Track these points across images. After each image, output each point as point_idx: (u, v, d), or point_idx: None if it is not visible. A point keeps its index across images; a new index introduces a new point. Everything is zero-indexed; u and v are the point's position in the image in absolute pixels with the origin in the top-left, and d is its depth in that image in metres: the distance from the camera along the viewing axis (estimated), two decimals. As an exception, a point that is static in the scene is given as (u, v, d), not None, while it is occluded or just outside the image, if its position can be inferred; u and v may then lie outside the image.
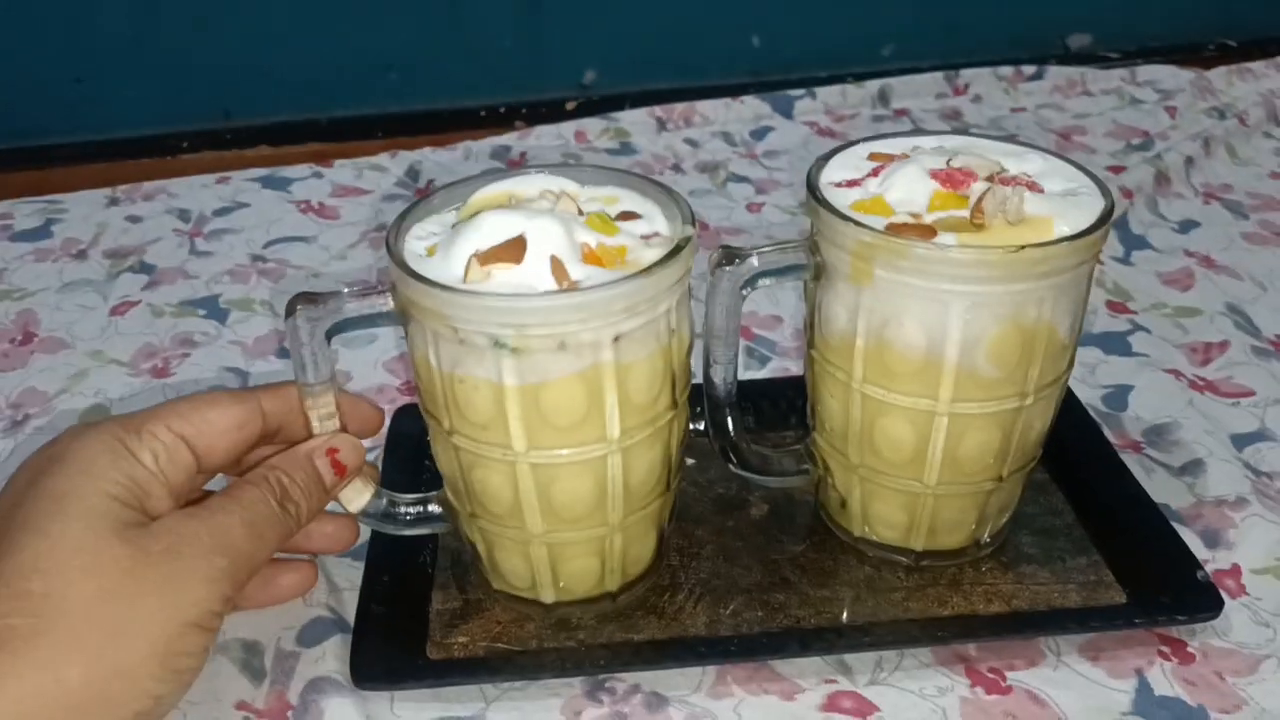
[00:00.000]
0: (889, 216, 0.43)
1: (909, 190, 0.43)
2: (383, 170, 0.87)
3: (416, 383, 0.44)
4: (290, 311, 0.41)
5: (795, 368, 0.64)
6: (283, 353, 0.65)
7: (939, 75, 1.03)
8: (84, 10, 0.93)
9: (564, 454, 0.41)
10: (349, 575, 0.49)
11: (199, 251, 0.76)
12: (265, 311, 0.69)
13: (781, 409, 0.58)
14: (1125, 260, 0.75)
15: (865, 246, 0.41)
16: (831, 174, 0.46)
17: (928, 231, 0.41)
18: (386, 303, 0.42)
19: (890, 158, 0.46)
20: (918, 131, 0.49)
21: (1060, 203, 0.43)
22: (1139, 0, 1.14)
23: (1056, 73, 1.04)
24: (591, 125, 0.94)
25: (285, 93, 1.00)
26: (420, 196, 0.46)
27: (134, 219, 0.80)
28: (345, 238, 0.78)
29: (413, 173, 0.87)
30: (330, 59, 1.00)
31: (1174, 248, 0.76)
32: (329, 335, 0.42)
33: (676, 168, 0.89)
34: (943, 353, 0.42)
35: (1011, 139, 0.48)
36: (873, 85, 1.00)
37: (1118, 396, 0.61)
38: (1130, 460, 0.54)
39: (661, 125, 0.95)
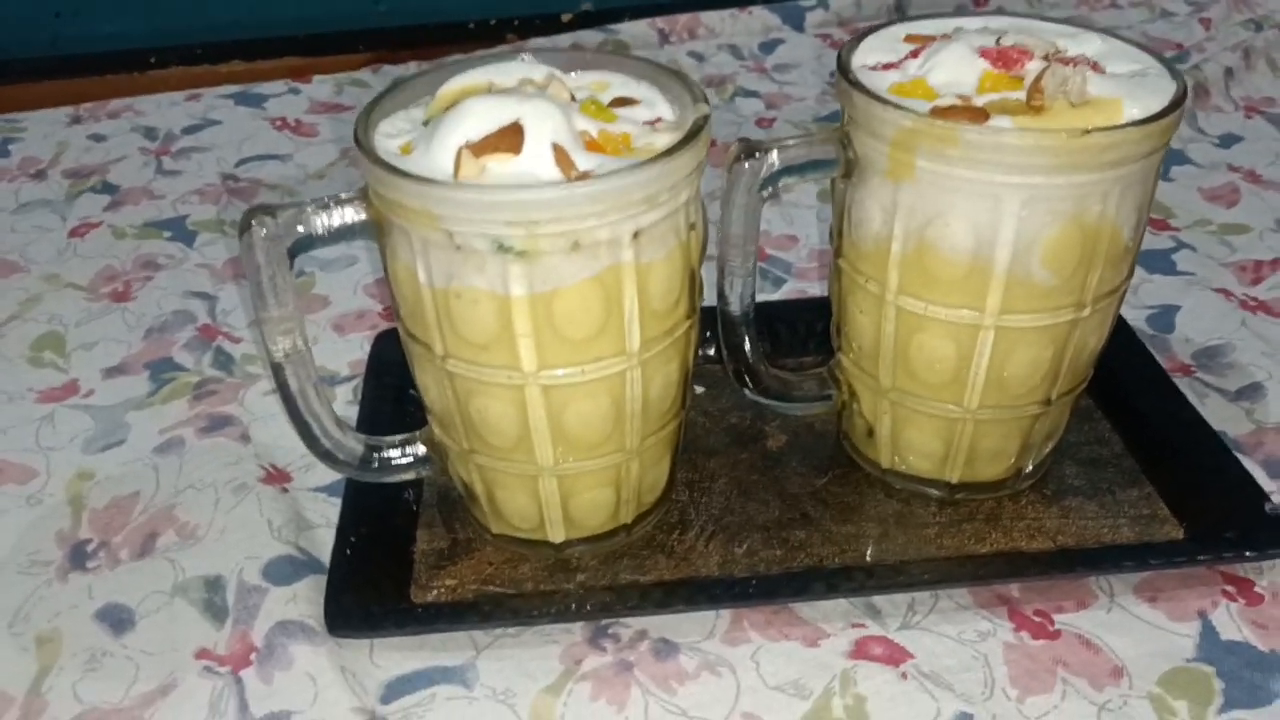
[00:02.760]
0: (933, 100, 0.37)
1: (955, 71, 0.38)
2: (364, 86, 0.82)
3: (396, 303, 0.38)
4: (244, 227, 0.36)
5: (813, 289, 0.59)
6: (255, 275, 0.59)
7: (960, -15, 0.96)
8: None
9: (579, 372, 0.36)
10: (324, 511, 0.44)
11: (166, 171, 0.70)
12: (236, 233, 0.63)
13: (800, 333, 0.53)
14: (1164, 176, 0.69)
15: (906, 134, 0.36)
16: (864, 57, 0.41)
17: (979, 114, 0.36)
18: (358, 212, 0.36)
19: (930, 39, 0.41)
20: (959, 11, 0.43)
21: (1127, 83, 0.37)
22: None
23: (1083, -17, 0.98)
24: (588, 38, 0.88)
25: (269, 21, 0.94)
26: (386, 87, 0.40)
27: (97, 137, 0.74)
28: (324, 155, 0.72)
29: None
30: None
31: (1216, 162, 0.71)
32: (291, 254, 0.36)
33: (680, 82, 0.83)
34: (992, 256, 0.37)
35: (1066, 22, 0.42)
36: (889, -6, 0.94)
37: (1163, 317, 0.56)
38: (1182, 384, 0.49)
39: (664, 38, 0.89)
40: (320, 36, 0.91)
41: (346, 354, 0.54)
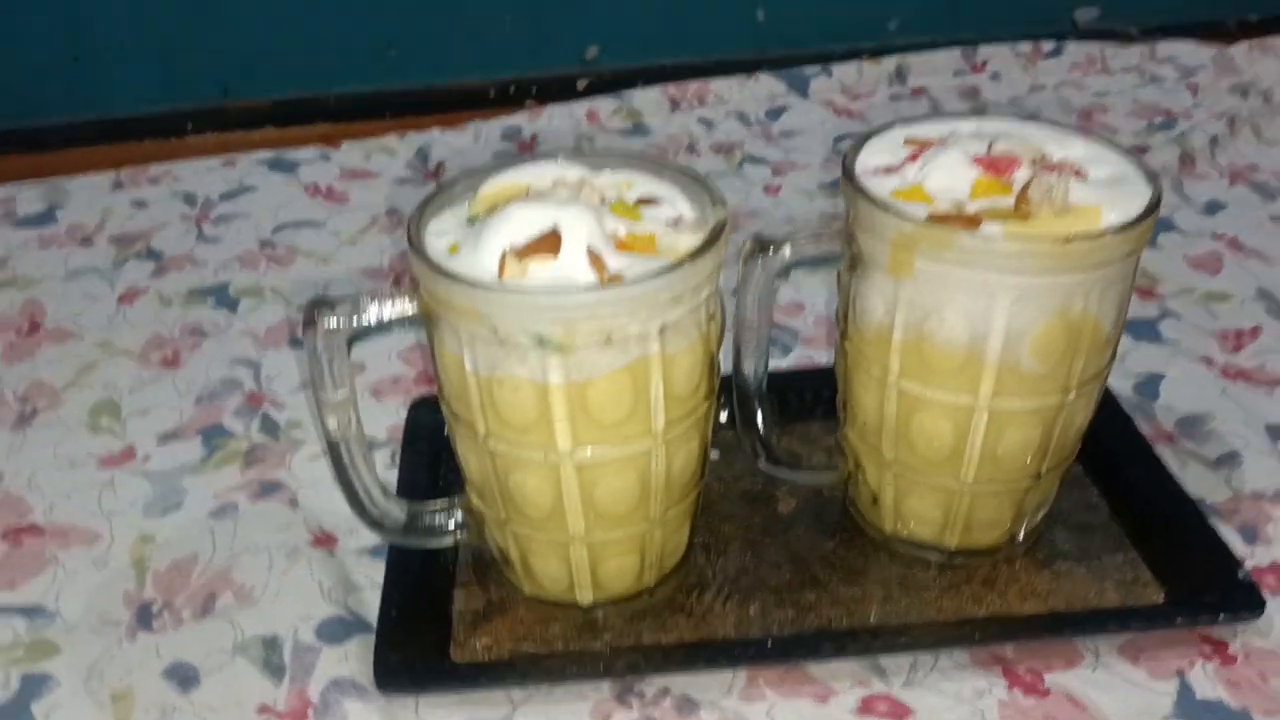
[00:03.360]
0: (930, 205, 0.41)
1: (950, 177, 0.42)
2: (391, 152, 0.86)
3: (442, 385, 0.42)
4: (308, 321, 0.40)
5: (820, 357, 0.62)
6: (295, 342, 0.63)
7: (956, 52, 1.01)
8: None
9: (608, 452, 0.40)
10: (368, 572, 0.48)
11: (206, 237, 0.74)
12: (275, 299, 0.67)
13: (807, 401, 0.57)
14: (1151, 243, 0.73)
15: (906, 237, 0.40)
16: (867, 160, 0.44)
17: (972, 221, 0.40)
18: (410, 305, 0.40)
19: (928, 143, 0.45)
20: (953, 115, 0.47)
21: (1107, 190, 0.41)
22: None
23: (1075, 49, 1.02)
24: (603, 105, 0.92)
25: (283, 70, 0.99)
26: (430, 181, 0.44)
27: (139, 204, 0.78)
28: (356, 222, 0.76)
29: (422, 155, 0.85)
30: (328, 36, 0.99)
31: (1201, 230, 0.75)
32: (349, 343, 0.40)
33: (691, 149, 0.87)
34: (985, 347, 0.41)
35: (1053, 123, 0.46)
36: (889, 62, 0.98)
37: (1149, 385, 0.59)
38: (1164, 452, 0.53)
39: (675, 105, 0.93)
40: (347, 101, 0.96)
41: (384, 419, 0.57)
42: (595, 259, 0.39)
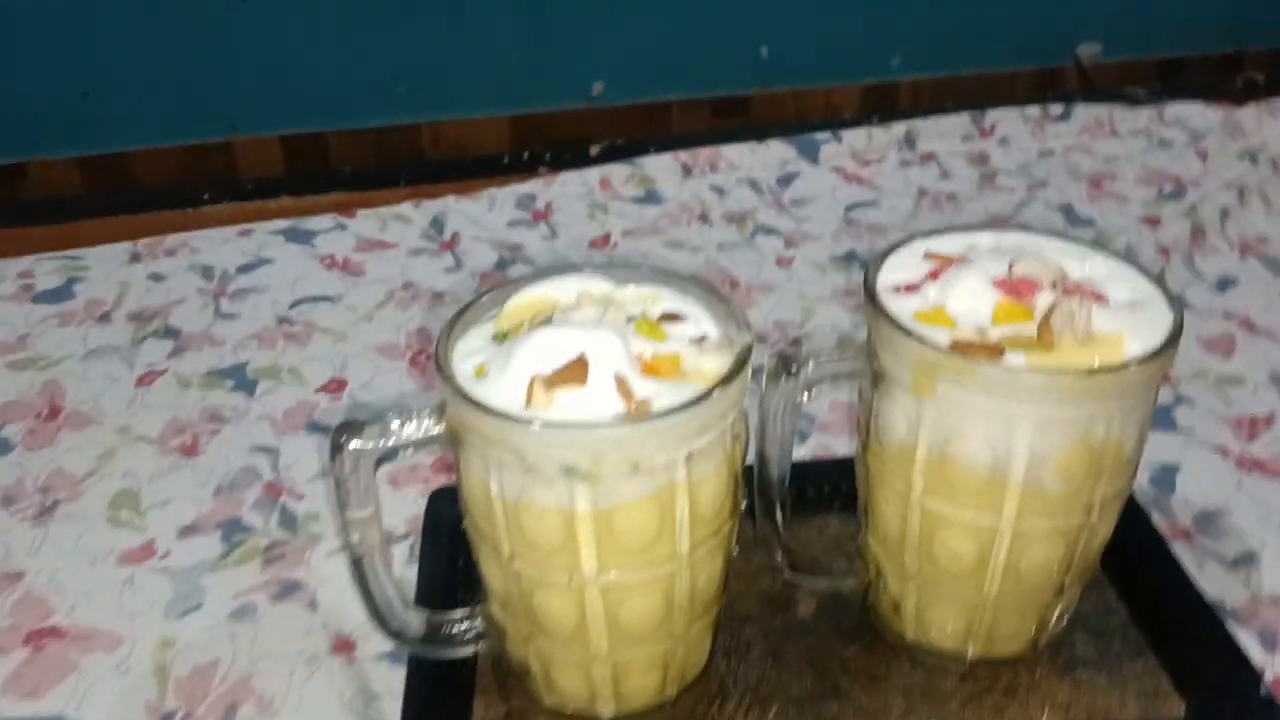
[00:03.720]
0: (951, 329, 0.41)
1: (971, 299, 0.42)
2: (407, 221, 0.86)
3: (466, 505, 0.42)
4: (336, 447, 0.40)
5: (836, 446, 0.63)
6: (313, 427, 0.63)
7: (965, 116, 1.02)
8: (89, 24, 0.93)
9: (633, 575, 0.40)
10: (387, 680, 0.48)
11: (224, 313, 0.75)
12: (292, 381, 0.67)
13: (825, 493, 0.57)
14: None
15: (929, 363, 0.40)
16: (888, 275, 0.45)
17: (994, 351, 0.40)
18: (436, 426, 0.40)
19: (948, 260, 0.45)
20: (971, 227, 0.48)
21: (1128, 317, 0.41)
22: (1148, 8, 1.15)
23: (1084, 112, 1.03)
24: (616, 172, 0.92)
25: (290, 106, 1.01)
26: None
27: (157, 277, 0.79)
28: (372, 296, 0.77)
29: (437, 224, 0.86)
30: (333, 73, 1.00)
31: (1213, 308, 0.75)
32: (376, 464, 0.41)
33: (704, 218, 0.88)
34: (1008, 470, 0.41)
35: (1070, 239, 0.47)
36: (898, 128, 0.99)
37: (1165, 477, 0.59)
38: (1182, 550, 0.53)
39: (687, 171, 0.94)
40: (363, 173, 0.97)
41: (401, 510, 0.58)
42: (623, 386, 0.39)
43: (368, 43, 1.00)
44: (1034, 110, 1.03)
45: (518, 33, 1.02)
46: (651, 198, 0.91)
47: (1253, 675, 0.45)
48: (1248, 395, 0.66)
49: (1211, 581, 0.52)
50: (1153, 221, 0.86)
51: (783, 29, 1.08)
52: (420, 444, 0.41)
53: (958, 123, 1.01)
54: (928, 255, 0.46)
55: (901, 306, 0.43)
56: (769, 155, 0.96)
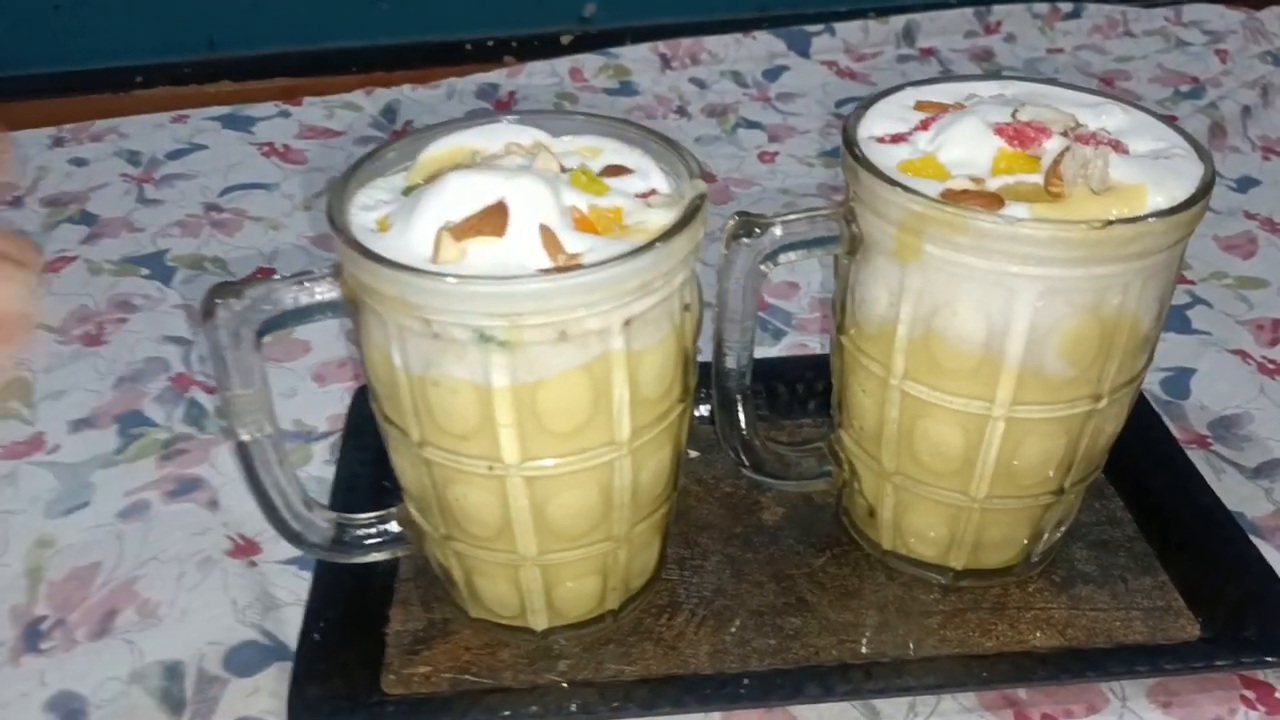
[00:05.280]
0: (944, 181, 0.35)
1: (968, 148, 0.36)
2: (356, 109, 0.79)
3: (371, 385, 0.36)
4: (208, 310, 0.33)
5: (814, 344, 0.56)
6: (234, 318, 0.57)
7: (968, 11, 0.94)
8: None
9: (564, 464, 0.34)
10: (293, 586, 0.42)
11: (147, 199, 0.68)
12: (217, 270, 0.61)
13: (799, 393, 0.51)
14: (1179, 223, 0.67)
15: (915, 217, 0.34)
16: (871, 126, 0.38)
17: (993, 200, 0.33)
18: (330, 290, 0.34)
19: (942, 108, 0.39)
20: (971, 76, 0.41)
21: (1151, 167, 0.35)
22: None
23: (1095, 11, 0.95)
24: (589, 62, 0.85)
25: (273, 23, 0.92)
26: (364, 155, 0.37)
27: (78, 161, 0.72)
28: (312, 184, 0.70)
29: (389, 112, 0.79)
30: None
31: (1233, 208, 0.69)
32: (259, 334, 0.34)
33: (681, 111, 0.81)
34: (1004, 347, 0.35)
35: (1085, 88, 0.40)
36: (897, 21, 0.91)
37: (1178, 381, 0.53)
38: (1197, 458, 0.47)
39: (665, 63, 0.86)
40: (312, 55, 0.89)
41: (325, 407, 0.52)
42: (549, 239, 0.33)
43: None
44: (1042, 7, 0.95)
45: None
46: (626, 89, 0.83)
47: (1277, 593, 0.40)
48: (1269, 298, 0.60)
49: (1230, 492, 0.46)
50: (1169, 120, 0.79)
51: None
52: (311, 310, 0.35)
53: (960, 18, 0.93)
54: (919, 105, 0.39)
55: (885, 157, 0.36)
56: (756, 48, 0.88)
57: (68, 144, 0.74)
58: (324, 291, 0.35)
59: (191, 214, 0.66)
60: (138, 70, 0.84)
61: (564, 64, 0.85)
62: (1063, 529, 0.42)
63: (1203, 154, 0.36)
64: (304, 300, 0.34)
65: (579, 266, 0.32)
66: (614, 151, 0.39)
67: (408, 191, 0.36)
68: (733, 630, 0.41)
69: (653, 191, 0.37)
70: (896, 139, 0.38)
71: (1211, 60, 0.88)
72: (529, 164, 0.36)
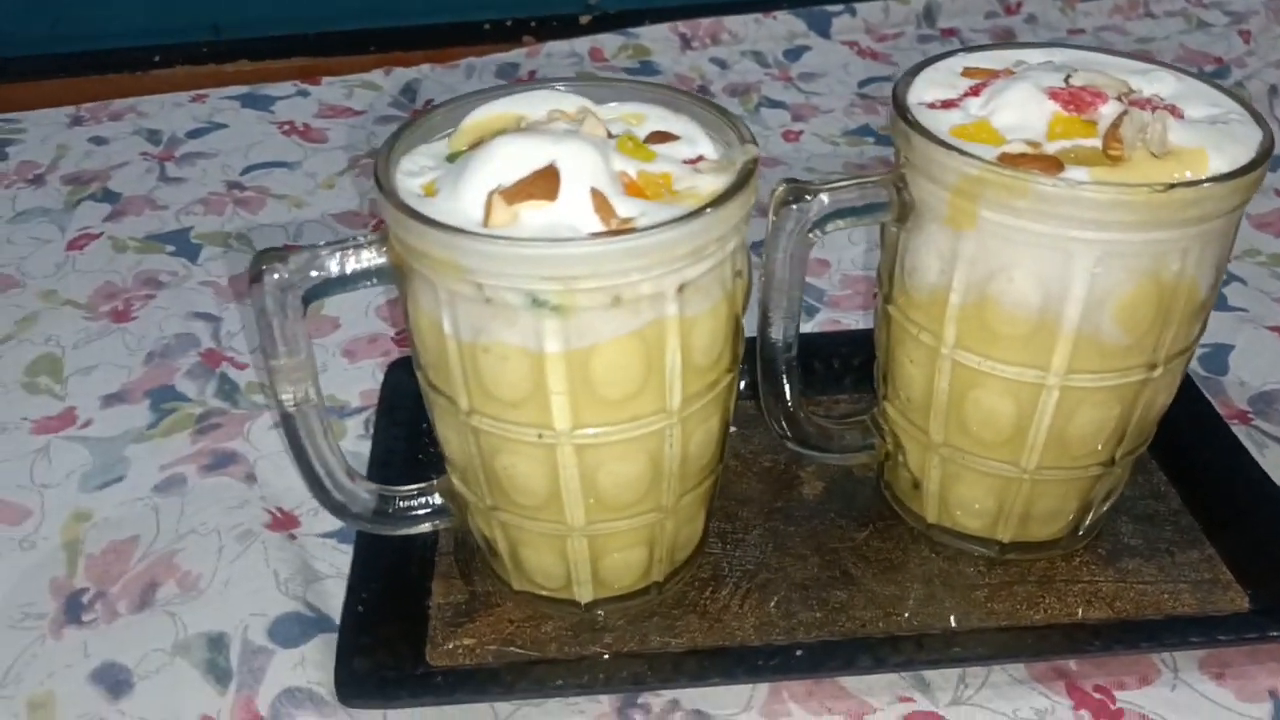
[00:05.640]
0: (999, 145, 0.35)
1: (1023, 113, 0.35)
2: (375, 89, 0.79)
3: (418, 351, 0.36)
4: (255, 275, 0.33)
5: (847, 320, 0.56)
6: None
7: (990, -8, 0.93)
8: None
9: (614, 431, 0.34)
10: (334, 560, 0.42)
11: (169, 178, 0.67)
12: (242, 247, 0.61)
13: (835, 370, 0.50)
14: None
15: (971, 182, 0.33)
16: (921, 92, 0.38)
17: (1053, 164, 0.33)
18: (377, 255, 0.34)
19: (992, 74, 0.38)
20: (1018, 44, 0.41)
21: (1210, 131, 0.35)
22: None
23: (1116, -9, 0.95)
24: (608, 42, 0.85)
25: (279, 9, 0.91)
26: (407, 121, 0.37)
27: (98, 140, 0.71)
28: (333, 163, 0.69)
29: (409, 91, 0.78)
30: None
31: (1264, 187, 0.68)
32: (305, 301, 0.34)
33: (704, 90, 0.80)
34: (1061, 313, 0.34)
35: (1135, 56, 0.40)
36: (918, 2, 0.91)
37: (1216, 358, 0.53)
38: (1239, 433, 0.47)
39: (686, 43, 0.86)
40: (330, 36, 0.88)
41: (357, 383, 0.51)
42: (601, 203, 0.32)
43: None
44: (1063, -13, 0.94)
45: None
46: (646, 69, 0.83)
47: (1328, 563, 0.39)
48: (1304, 275, 0.59)
49: (1274, 466, 0.45)
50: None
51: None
52: (358, 277, 0.34)
53: (982, -2, 0.93)
54: (966, 71, 0.39)
55: (937, 122, 0.36)
56: (776, 28, 0.88)
57: (87, 123, 0.74)
58: (370, 258, 0.34)
59: (214, 192, 0.66)
60: (154, 50, 0.83)
61: (583, 44, 0.84)
62: (1110, 502, 0.42)
63: (1260, 120, 0.35)
64: (350, 267, 0.34)
65: (633, 230, 0.31)
66: (659, 118, 0.38)
67: (452, 158, 0.36)
68: (776, 603, 0.40)
69: (700, 157, 0.36)
70: (947, 104, 0.37)
71: (1235, 40, 0.88)
72: (575, 129, 0.35)
